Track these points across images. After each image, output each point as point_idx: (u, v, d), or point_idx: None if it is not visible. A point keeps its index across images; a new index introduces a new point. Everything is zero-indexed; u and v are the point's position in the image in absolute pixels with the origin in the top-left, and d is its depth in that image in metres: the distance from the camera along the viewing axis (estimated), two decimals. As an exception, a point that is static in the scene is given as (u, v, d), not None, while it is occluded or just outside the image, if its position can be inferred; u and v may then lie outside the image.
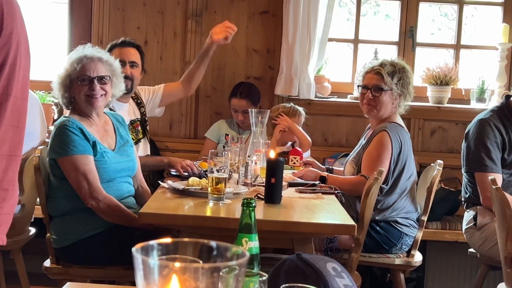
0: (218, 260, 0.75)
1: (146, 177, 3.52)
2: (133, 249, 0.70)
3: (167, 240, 0.73)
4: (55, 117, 4.38)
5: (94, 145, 2.89)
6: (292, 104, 4.05)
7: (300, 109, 4.00)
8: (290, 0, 4.35)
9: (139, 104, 3.89)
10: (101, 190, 2.85)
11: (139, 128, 3.83)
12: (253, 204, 1.44)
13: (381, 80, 3.43)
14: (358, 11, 4.73)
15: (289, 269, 1.48)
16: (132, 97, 3.83)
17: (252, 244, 1.42)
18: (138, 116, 3.86)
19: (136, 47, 3.77)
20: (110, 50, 3.62)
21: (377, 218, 3.36)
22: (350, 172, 3.51)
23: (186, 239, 0.74)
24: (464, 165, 3.60)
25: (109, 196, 2.88)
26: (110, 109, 3.40)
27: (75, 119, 2.92)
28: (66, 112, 3.12)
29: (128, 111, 3.75)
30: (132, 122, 3.77)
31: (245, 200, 1.45)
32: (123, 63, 3.52)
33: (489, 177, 3.06)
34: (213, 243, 0.74)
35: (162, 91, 4.01)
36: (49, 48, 4.69)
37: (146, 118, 3.91)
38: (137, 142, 3.75)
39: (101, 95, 2.96)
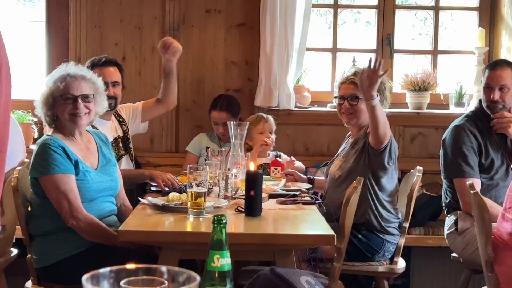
0: (170, 285, 0.75)
1: (129, 194, 3.50)
2: (83, 278, 0.70)
3: (118, 267, 0.73)
4: (36, 136, 4.36)
5: (76, 164, 2.88)
6: (258, 113, 4.04)
7: (269, 117, 3.97)
8: (266, 11, 4.35)
9: (121, 122, 3.90)
10: (81, 209, 2.83)
11: (121, 145, 3.84)
12: (224, 221, 1.45)
13: (356, 88, 3.43)
14: (335, 21, 4.76)
15: (263, 284, 1.48)
16: (113, 114, 3.84)
17: (224, 261, 1.42)
18: (120, 133, 3.87)
19: (115, 65, 3.78)
20: (90, 68, 3.61)
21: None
22: (333, 173, 3.52)
23: (133, 266, 0.74)
24: (442, 172, 3.62)
25: (90, 215, 2.85)
26: (93, 127, 3.39)
27: (57, 137, 2.91)
28: (48, 131, 3.11)
29: (110, 128, 3.77)
30: (115, 139, 3.77)
31: (215, 217, 1.45)
32: (105, 84, 3.51)
33: (467, 182, 3.08)
34: (164, 268, 0.74)
35: (141, 109, 4.02)
36: (28, 67, 4.67)
37: (129, 136, 3.92)
38: (119, 159, 3.74)
39: (85, 113, 2.95)
